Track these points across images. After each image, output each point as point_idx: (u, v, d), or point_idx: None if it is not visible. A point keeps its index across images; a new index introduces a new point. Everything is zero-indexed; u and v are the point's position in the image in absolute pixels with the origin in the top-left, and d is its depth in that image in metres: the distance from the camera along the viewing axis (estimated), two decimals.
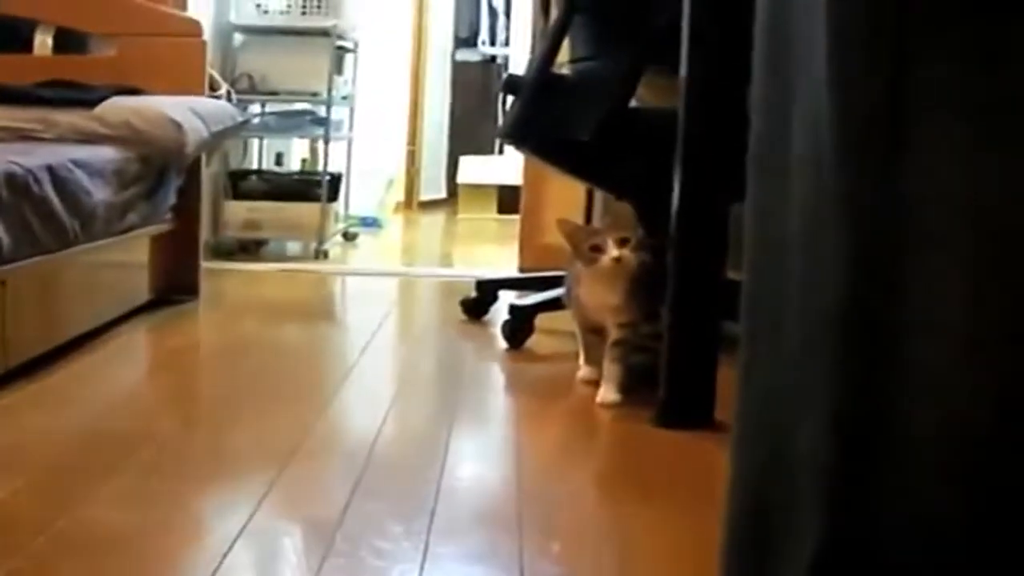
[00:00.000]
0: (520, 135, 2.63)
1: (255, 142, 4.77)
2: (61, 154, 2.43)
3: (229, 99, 3.59)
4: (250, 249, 4.41)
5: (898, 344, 0.63)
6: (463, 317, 3.07)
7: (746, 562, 0.75)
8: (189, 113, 2.89)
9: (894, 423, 0.63)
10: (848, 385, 0.65)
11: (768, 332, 0.74)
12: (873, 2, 0.64)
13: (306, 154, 5.20)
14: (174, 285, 3.13)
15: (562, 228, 2.22)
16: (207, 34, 3.30)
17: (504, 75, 2.91)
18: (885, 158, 0.64)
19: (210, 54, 3.34)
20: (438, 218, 6.50)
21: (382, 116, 6.08)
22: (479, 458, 1.87)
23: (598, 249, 2.14)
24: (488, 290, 3.13)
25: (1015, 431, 0.60)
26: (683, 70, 1.99)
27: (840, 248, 0.66)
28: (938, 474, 0.62)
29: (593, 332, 2.29)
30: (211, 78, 3.40)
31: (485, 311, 3.09)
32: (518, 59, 6.27)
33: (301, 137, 4.92)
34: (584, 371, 2.34)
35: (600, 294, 2.20)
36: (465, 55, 7.49)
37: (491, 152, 6.66)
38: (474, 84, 7.41)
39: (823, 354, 0.67)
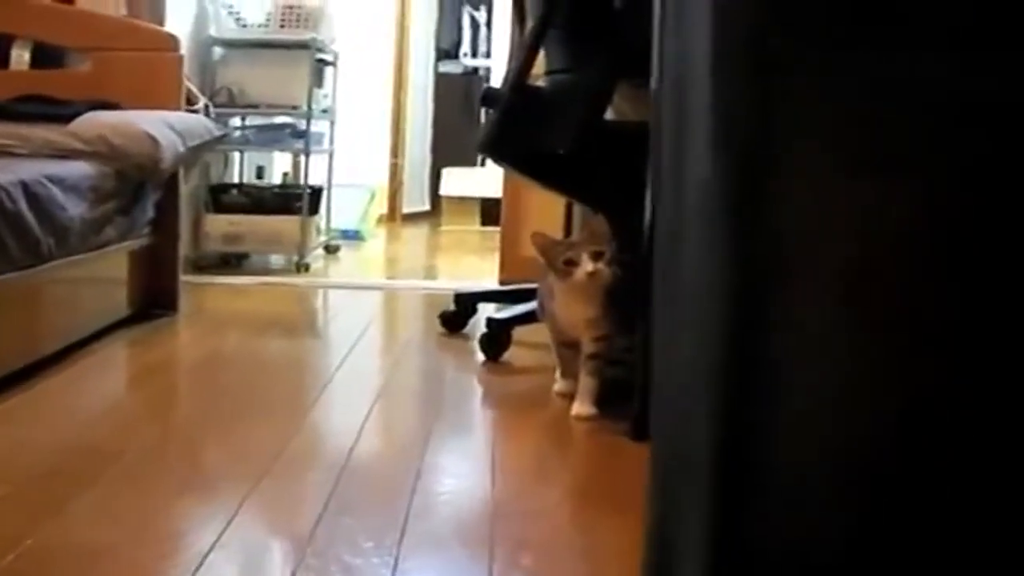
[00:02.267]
0: (496, 148, 2.63)
1: (236, 155, 4.78)
2: (35, 169, 2.43)
3: (207, 113, 3.59)
4: (231, 262, 4.41)
5: (780, 372, 0.65)
6: (442, 330, 3.07)
7: (656, 563, 0.76)
8: (165, 128, 2.89)
9: (781, 450, 0.65)
10: (731, 416, 0.67)
11: (666, 352, 0.76)
12: (749, 30, 0.66)
13: (287, 167, 5.20)
14: (153, 300, 3.13)
15: (536, 242, 2.21)
16: (186, 48, 3.31)
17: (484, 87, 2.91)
18: (758, 184, 0.65)
19: (189, 68, 3.35)
20: (421, 230, 6.50)
21: (364, 129, 6.09)
22: (454, 471, 1.87)
23: (572, 263, 2.13)
24: (466, 303, 3.13)
25: (900, 452, 0.62)
26: (654, 82, 2.00)
27: (723, 272, 0.67)
28: (826, 495, 0.64)
29: (567, 346, 2.29)
30: (189, 92, 3.40)
31: (464, 324, 3.09)
32: (500, 71, 6.28)
33: (282, 150, 4.93)
34: (560, 384, 2.35)
35: (574, 308, 2.20)
36: (447, 67, 7.51)
37: (474, 164, 6.66)
38: (456, 96, 7.43)
39: (707, 388, 0.68)
